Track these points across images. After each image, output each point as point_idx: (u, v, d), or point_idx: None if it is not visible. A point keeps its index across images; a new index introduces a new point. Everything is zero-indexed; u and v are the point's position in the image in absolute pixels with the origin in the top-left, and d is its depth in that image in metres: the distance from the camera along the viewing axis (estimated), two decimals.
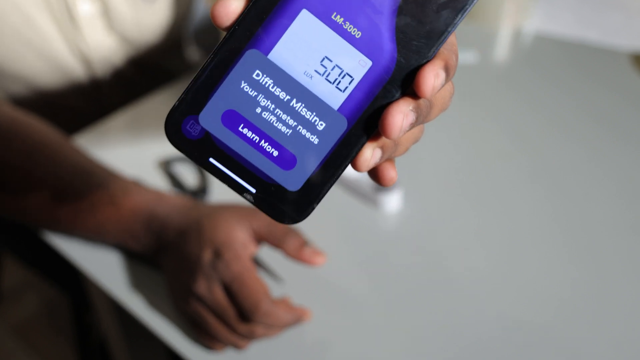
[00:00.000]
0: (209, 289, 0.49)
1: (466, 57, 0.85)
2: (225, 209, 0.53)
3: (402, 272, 0.58)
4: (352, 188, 0.64)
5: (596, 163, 0.69)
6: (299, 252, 0.52)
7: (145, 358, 0.79)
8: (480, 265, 0.58)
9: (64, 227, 0.57)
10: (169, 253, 0.53)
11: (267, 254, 0.58)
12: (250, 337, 0.50)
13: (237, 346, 0.50)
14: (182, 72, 0.93)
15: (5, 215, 0.59)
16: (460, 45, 0.87)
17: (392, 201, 0.63)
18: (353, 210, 0.63)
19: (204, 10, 1.12)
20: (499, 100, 0.79)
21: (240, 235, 0.50)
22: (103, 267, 0.57)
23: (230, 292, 0.49)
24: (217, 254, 0.49)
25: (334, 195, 0.64)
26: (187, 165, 0.68)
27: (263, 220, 0.52)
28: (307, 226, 0.61)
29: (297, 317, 0.51)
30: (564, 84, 0.81)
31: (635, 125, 0.75)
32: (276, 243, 0.52)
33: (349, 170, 0.55)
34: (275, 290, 0.56)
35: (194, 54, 1.02)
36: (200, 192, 0.64)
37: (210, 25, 1.20)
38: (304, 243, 0.52)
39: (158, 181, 0.66)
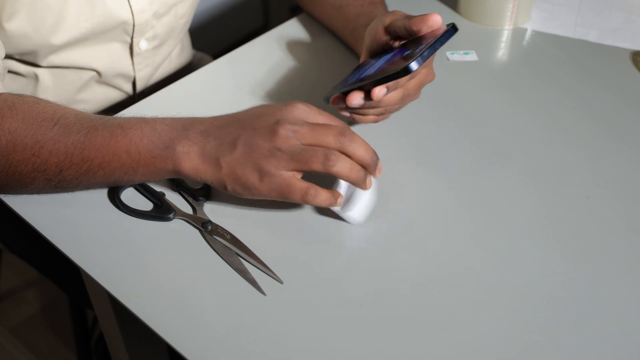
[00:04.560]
0: (292, 130, 0.54)
1: (466, 57, 0.85)
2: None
3: (402, 272, 0.58)
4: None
5: (596, 163, 0.69)
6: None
7: (145, 358, 0.80)
8: (477, 265, 0.58)
9: (99, 169, 0.58)
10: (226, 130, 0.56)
11: (267, 255, 0.58)
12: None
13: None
14: (185, 71, 0.93)
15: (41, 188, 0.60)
16: (461, 45, 0.87)
17: (355, 215, 0.60)
18: None
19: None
20: (498, 100, 0.79)
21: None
22: (103, 267, 0.57)
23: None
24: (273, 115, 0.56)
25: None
26: None
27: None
28: (305, 230, 0.62)
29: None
30: (564, 84, 0.81)
31: (635, 125, 0.74)
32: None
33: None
34: (275, 291, 0.56)
35: (195, 52, 1.02)
36: (200, 192, 0.64)
37: (209, 24, 1.20)
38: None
39: (158, 181, 0.66)
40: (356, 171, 0.55)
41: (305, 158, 0.54)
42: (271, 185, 0.55)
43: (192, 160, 0.56)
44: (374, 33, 0.68)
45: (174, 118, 0.59)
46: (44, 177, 0.59)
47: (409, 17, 0.64)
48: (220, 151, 0.55)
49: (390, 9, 0.93)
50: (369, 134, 0.73)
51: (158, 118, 0.59)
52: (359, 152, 0.55)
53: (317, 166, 0.54)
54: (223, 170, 0.55)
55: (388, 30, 0.67)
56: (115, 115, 0.62)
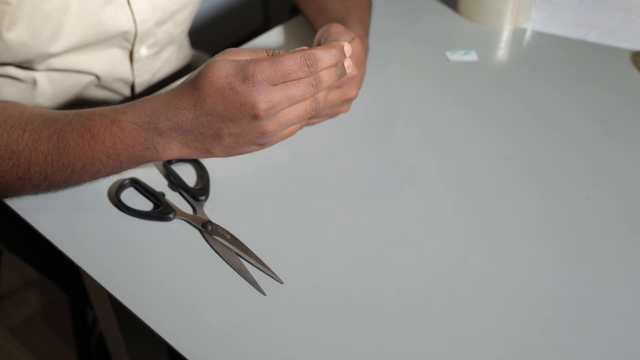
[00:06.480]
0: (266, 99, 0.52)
1: (466, 57, 0.85)
2: (203, 68, 0.54)
3: (402, 272, 0.58)
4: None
5: (596, 163, 0.69)
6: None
7: (145, 358, 0.80)
8: (477, 265, 0.58)
9: (80, 167, 0.57)
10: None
11: (267, 255, 0.58)
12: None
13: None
14: (183, 72, 0.93)
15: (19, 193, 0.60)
16: (461, 45, 0.87)
17: None
18: (350, 209, 0.63)
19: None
20: (498, 100, 0.79)
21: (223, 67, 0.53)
22: (103, 267, 0.57)
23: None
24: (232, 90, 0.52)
25: (339, 198, 0.64)
26: (187, 165, 0.68)
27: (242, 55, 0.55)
28: (306, 230, 0.61)
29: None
30: (564, 84, 0.81)
31: (635, 125, 0.75)
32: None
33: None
34: (275, 291, 0.56)
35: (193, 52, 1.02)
36: (201, 192, 0.64)
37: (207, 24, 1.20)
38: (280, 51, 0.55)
39: (157, 181, 0.66)
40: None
41: (291, 121, 0.55)
42: (273, 144, 0.57)
43: (176, 152, 0.57)
44: (315, 41, 0.72)
45: (132, 109, 0.56)
46: (31, 184, 0.59)
47: (326, 38, 0.68)
48: (206, 144, 0.56)
49: (392, 8, 0.93)
50: (368, 135, 0.73)
51: (118, 111, 0.57)
52: (331, 81, 0.55)
53: (306, 116, 0.56)
54: (216, 154, 0.57)
55: (319, 41, 0.70)
56: (75, 110, 0.60)
